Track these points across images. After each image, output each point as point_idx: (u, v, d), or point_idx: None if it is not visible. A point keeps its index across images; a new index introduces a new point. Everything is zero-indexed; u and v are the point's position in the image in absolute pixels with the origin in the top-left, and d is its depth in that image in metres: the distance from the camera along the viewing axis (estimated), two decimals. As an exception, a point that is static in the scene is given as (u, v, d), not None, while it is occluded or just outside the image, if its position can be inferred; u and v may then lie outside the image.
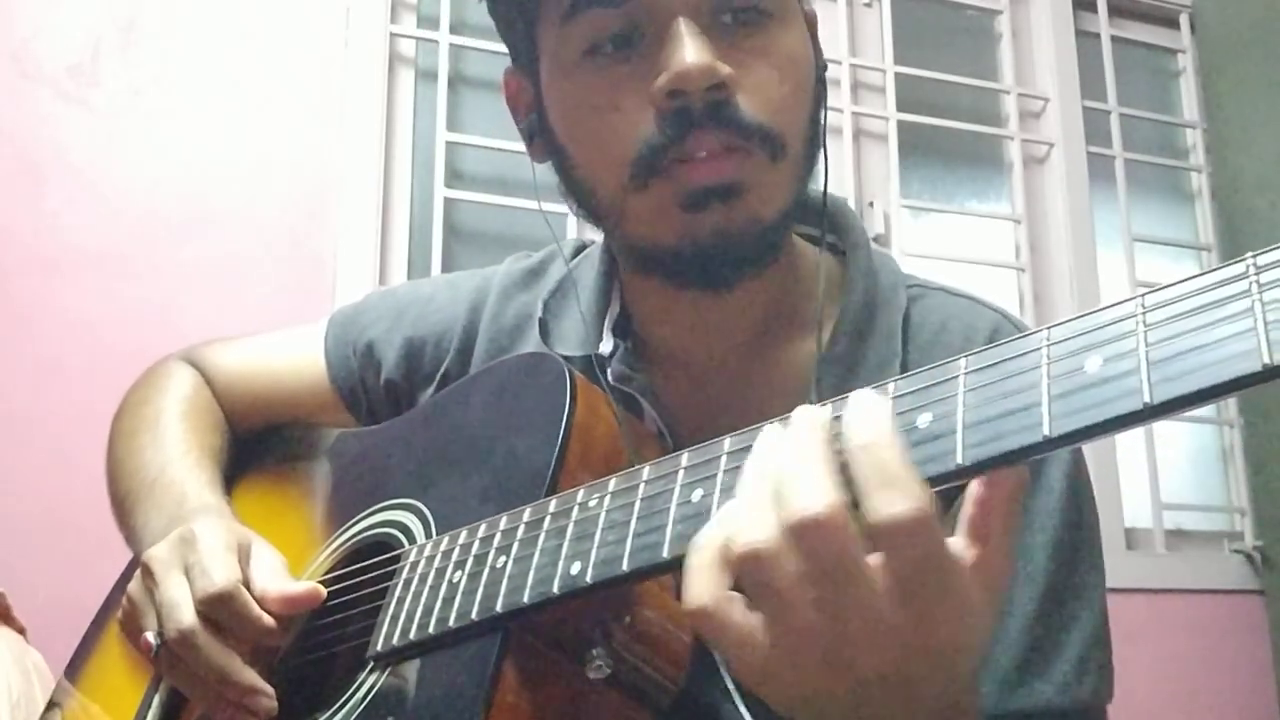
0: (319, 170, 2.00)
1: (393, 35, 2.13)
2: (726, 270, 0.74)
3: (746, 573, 0.47)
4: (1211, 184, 2.65)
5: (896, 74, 2.44)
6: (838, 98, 2.37)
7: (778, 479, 0.47)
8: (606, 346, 0.81)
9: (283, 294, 1.90)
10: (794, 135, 0.73)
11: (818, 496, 0.45)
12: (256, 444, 1.01)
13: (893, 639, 0.46)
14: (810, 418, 0.49)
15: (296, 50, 2.04)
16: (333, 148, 2.01)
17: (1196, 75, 2.71)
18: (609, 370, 0.79)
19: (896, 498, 0.44)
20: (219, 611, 0.72)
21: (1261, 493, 2.42)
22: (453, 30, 2.17)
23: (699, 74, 0.67)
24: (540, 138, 0.80)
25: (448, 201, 2.10)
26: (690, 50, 0.68)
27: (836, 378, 0.76)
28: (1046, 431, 0.43)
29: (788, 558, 0.46)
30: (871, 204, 2.35)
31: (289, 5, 2.05)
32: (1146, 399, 0.41)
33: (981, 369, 0.47)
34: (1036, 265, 2.47)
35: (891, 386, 0.50)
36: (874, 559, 0.45)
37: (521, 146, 0.83)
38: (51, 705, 0.97)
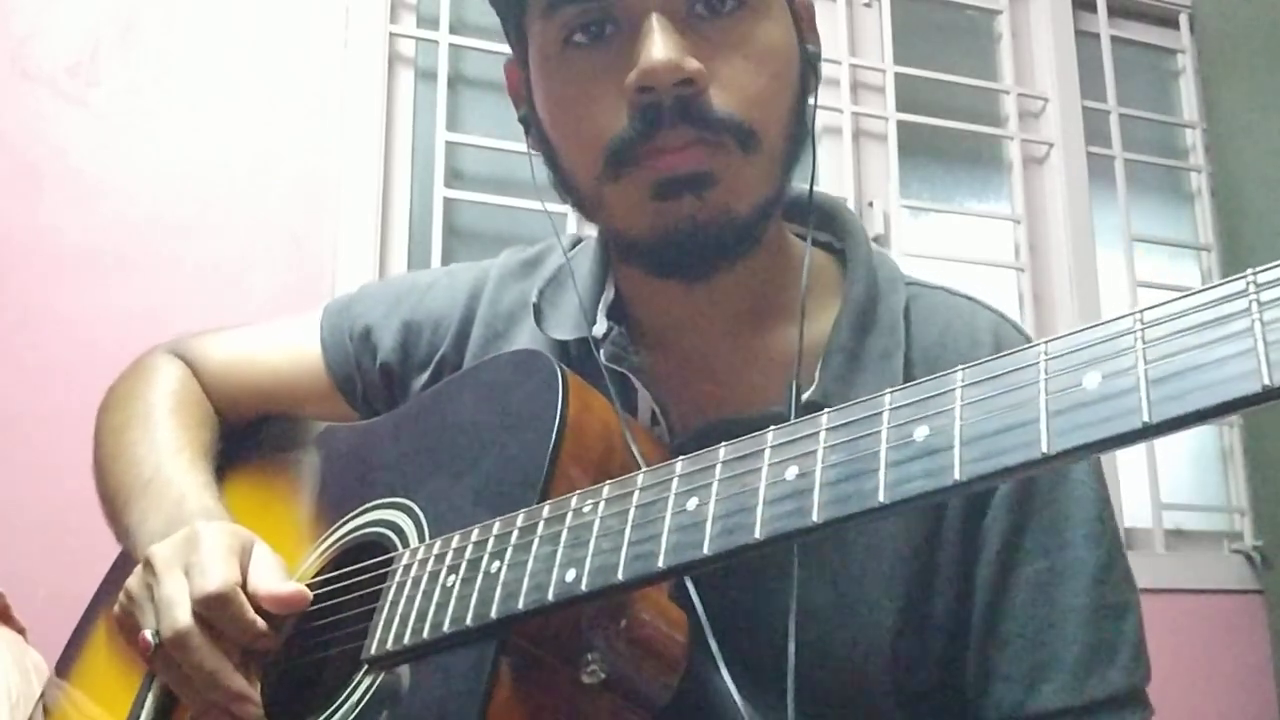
0: (319, 170, 1.99)
1: (392, 35, 2.12)
2: (700, 261, 0.74)
3: None
4: (1211, 184, 2.65)
5: (896, 74, 2.44)
6: (838, 98, 2.37)
7: None
8: (600, 329, 0.82)
9: (283, 294, 1.90)
10: (770, 127, 0.73)
11: None
12: (244, 436, 1.00)
13: None
14: None
15: (296, 50, 2.03)
16: (333, 148, 2.01)
17: (1196, 75, 2.71)
18: (602, 351, 0.80)
19: None
20: (214, 613, 0.72)
21: (1261, 493, 2.42)
22: (452, 30, 2.16)
23: (665, 71, 0.68)
24: (534, 127, 0.81)
25: (447, 201, 2.09)
26: (659, 47, 0.68)
27: (840, 367, 0.76)
28: (1045, 449, 0.43)
29: None
30: (871, 204, 2.35)
31: (288, 5, 2.04)
32: (1145, 418, 0.41)
33: (978, 382, 0.47)
34: (1036, 265, 2.47)
35: (888, 398, 0.49)
36: None
37: (520, 146, 0.85)
38: (42, 702, 0.97)
